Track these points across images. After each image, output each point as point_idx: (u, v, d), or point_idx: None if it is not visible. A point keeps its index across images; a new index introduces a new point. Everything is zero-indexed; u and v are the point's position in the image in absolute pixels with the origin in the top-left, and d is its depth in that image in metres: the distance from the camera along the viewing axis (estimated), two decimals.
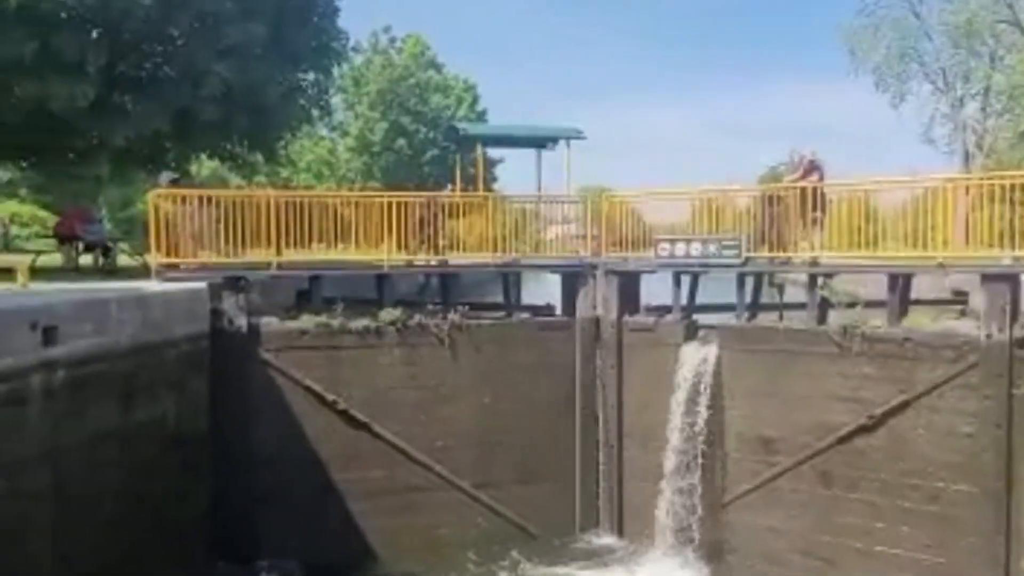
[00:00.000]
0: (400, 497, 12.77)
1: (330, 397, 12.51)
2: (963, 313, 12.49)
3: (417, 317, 12.99)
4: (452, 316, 13.22)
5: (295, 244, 13.01)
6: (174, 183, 13.79)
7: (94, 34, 14.06)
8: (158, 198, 12.79)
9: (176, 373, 11.00)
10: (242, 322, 12.23)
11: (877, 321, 11.62)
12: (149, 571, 9.96)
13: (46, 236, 22.58)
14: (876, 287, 12.40)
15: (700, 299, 13.91)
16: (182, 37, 15.19)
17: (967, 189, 11.62)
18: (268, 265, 12.80)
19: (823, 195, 12.20)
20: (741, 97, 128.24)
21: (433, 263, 13.92)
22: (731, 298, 13.19)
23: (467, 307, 13.52)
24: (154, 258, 12.49)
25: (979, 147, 35.78)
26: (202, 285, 11.91)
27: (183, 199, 12.79)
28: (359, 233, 13.17)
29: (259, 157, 20.35)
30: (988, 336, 10.35)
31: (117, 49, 14.98)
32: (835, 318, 12.04)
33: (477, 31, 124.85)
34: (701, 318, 13.44)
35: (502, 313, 14.30)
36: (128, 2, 13.54)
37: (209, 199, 12.89)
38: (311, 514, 12.26)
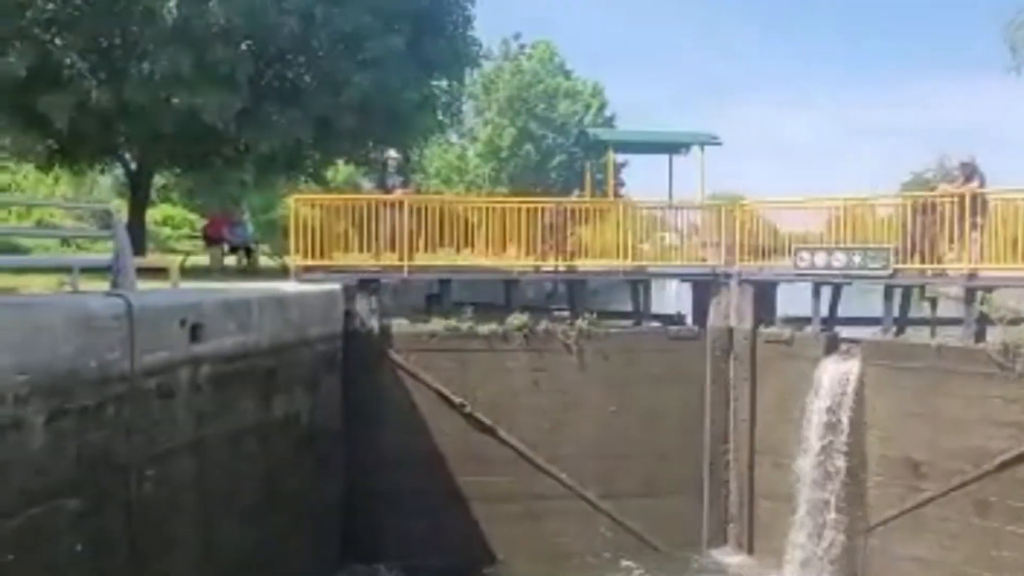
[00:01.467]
0: (523, 504, 12.73)
1: (457, 400, 12.62)
2: None
3: (544, 323, 12.95)
4: (580, 323, 13.07)
5: (425, 248, 13.17)
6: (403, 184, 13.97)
7: (243, 47, 14.72)
8: (299, 203, 13.27)
9: (311, 372, 11.32)
10: (374, 324, 12.53)
11: None
12: (286, 561, 10.24)
13: (195, 237, 23.91)
14: None
15: (841, 313, 13.30)
16: (323, 49, 15.72)
17: None
18: (400, 269, 13.03)
19: (984, 202, 11.40)
20: (883, 96, 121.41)
21: (561, 269, 13.82)
22: (875, 313, 12.58)
23: (595, 314, 13.34)
24: (293, 260, 12.93)
25: None
26: (337, 287, 12.25)
27: (321, 204, 13.18)
28: (488, 238, 13.25)
29: None
30: None
31: (263, 61, 15.66)
32: (995, 336, 11.19)
33: (606, 31, 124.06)
34: (843, 331, 12.78)
35: (630, 321, 14.01)
36: (274, 19, 14.15)
37: (345, 204, 13.23)
38: (436, 516, 12.42)
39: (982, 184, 11.81)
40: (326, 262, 12.92)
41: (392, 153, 14.37)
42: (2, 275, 11.28)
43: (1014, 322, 11.13)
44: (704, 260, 13.90)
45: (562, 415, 12.80)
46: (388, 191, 13.65)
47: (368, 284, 12.64)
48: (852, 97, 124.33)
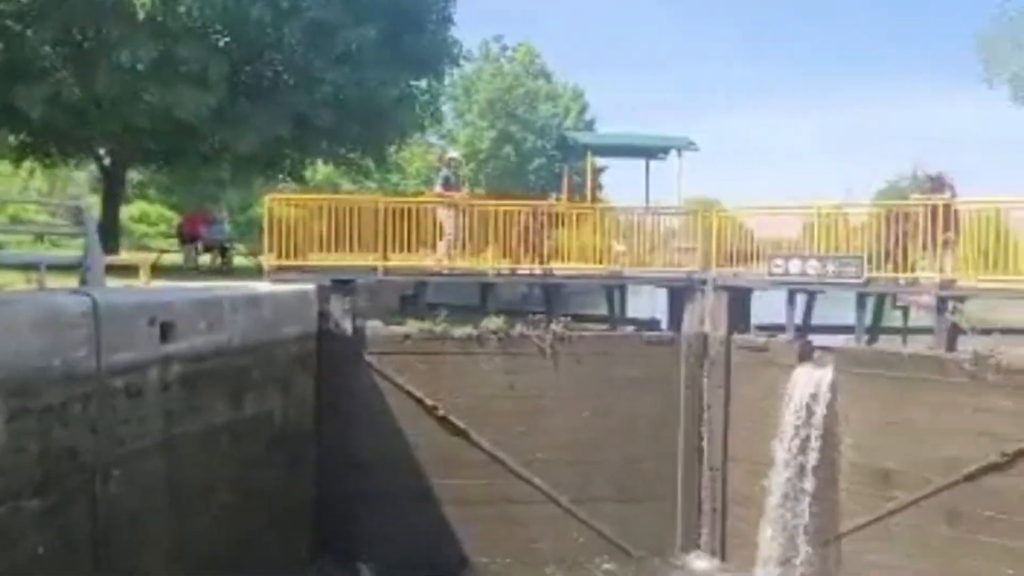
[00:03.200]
0: (496, 507, 12.66)
1: (430, 403, 12.55)
2: None
3: (519, 327, 12.88)
4: (554, 327, 13.00)
5: (401, 249, 13.07)
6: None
7: (220, 43, 14.58)
8: (274, 202, 13.14)
9: (284, 372, 11.22)
10: (347, 325, 12.43)
11: (1017, 350, 10.79)
12: (259, 558, 10.13)
13: (171, 236, 23.66)
14: (1017, 313, 11.81)
15: (815, 320, 13.39)
16: (299, 45, 15.59)
17: None
18: (375, 269, 12.92)
19: (956, 213, 11.49)
20: (864, 104, 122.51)
21: (537, 272, 13.76)
22: (849, 321, 12.58)
23: (570, 318, 13.28)
24: (266, 259, 12.80)
25: None
26: (311, 287, 12.12)
27: (296, 203, 13.07)
28: (464, 239, 13.20)
29: (370, 163, 20.69)
30: None
31: (239, 58, 15.51)
32: (966, 345, 11.28)
33: (588, 35, 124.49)
34: (816, 339, 12.81)
35: (606, 326, 13.98)
36: (240, 11, 13.99)
37: (320, 203, 13.12)
38: (408, 518, 12.33)
39: (953, 196, 11.95)
40: (300, 262, 12.77)
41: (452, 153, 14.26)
42: None
43: (985, 332, 11.29)
44: (680, 265, 13.88)
45: (536, 419, 12.76)
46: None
47: (342, 284, 12.50)
48: (834, 104, 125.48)
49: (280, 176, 19.76)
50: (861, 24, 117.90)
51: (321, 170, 30.85)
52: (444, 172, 14.47)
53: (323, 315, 12.27)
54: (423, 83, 18.50)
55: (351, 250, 12.86)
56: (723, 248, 13.26)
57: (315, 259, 12.86)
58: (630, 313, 14.83)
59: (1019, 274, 10.91)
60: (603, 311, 14.70)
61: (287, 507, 11.23)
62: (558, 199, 15.30)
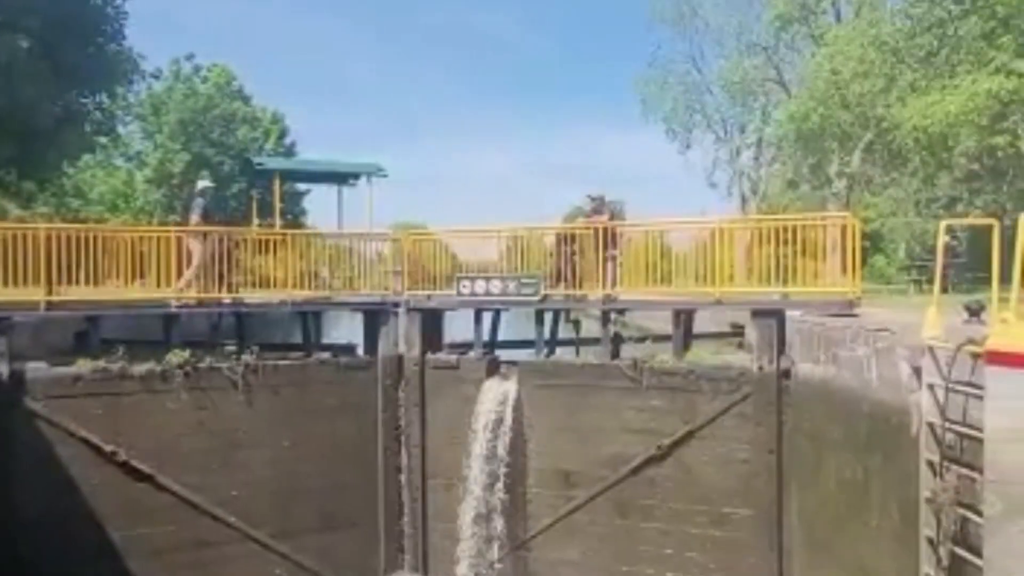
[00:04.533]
0: (190, 553, 11.87)
1: (109, 448, 11.38)
2: (740, 346, 13.07)
3: (208, 359, 12.19)
4: (246, 357, 12.45)
5: (77, 281, 11.83)
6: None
7: None
8: None
9: None
10: (3, 369, 10.86)
11: (665, 355, 11.98)
12: None
13: None
14: (666, 321, 12.81)
15: (503, 335, 14.00)
16: None
17: (744, 231, 12.41)
18: (37, 305, 11.47)
19: (615, 234, 12.61)
20: (553, 140, 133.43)
21: (227, 301, 13.05)
22: (529, 334, 13.35)
23: (262, 348, 12.76)
24: None
25: (753, 192, 39.12)
26: None
27: None
28: (152, 269, 12.26)
29: (32, 186, 18.35)
30: (760, 368, 10.90)
31: None
32: (628, 352, 12.43)
33: (293, 62, 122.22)
34: (503, 354, 13.47)
35: (300, 354, 13.57)
36: None
37: None
38: None
39: (612, 217, 13.08)
40: None
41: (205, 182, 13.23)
42: None
43: (641, 339, 12.54)
44: (386, 288, 13.91)
45: (230, 455, 12.14)
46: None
47: None
48: (533, 138, 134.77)
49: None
50: (549, 69, 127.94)
51: None
52: (200, 201, 13.66)
53: None
54: (93, 99, 16.70)
55: (6, 284, 11.27)
56: (418, 271, 13.49)
57: None
58: (330, 339, 14.58)
59: (668, 287, 12.29)
60: (298, 339, 14.21)
61: None
62: (262, 225, 14.61)
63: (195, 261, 12.52)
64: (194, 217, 13.35)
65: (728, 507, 11.19)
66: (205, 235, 12.70)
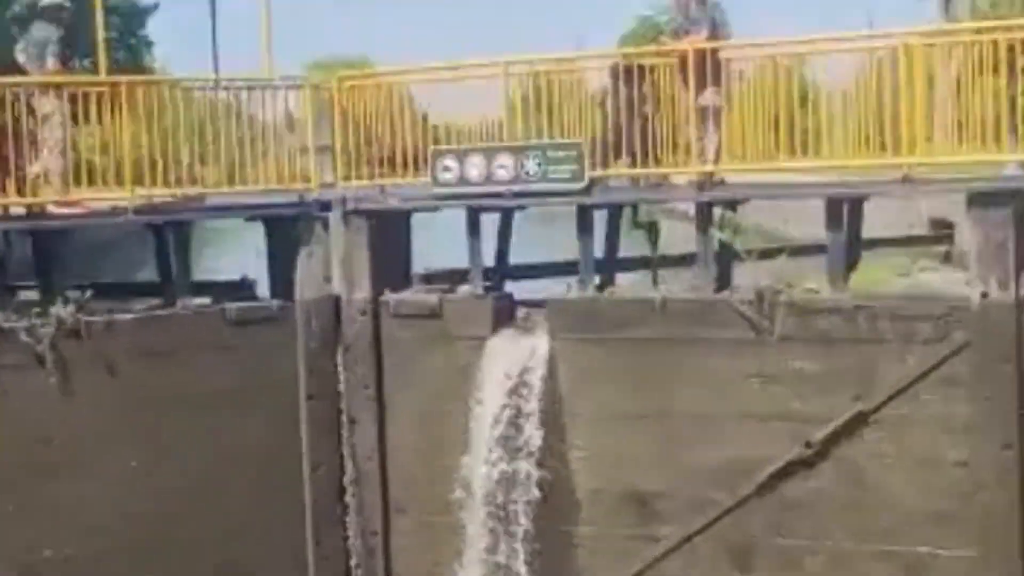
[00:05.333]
0: None
1: None
2: (947, 258, 10.37)
3: None
4: (58, 310, 8.31)
5: None
6: None
7: None
8: None
9: None
10: None
11: (813, 281, 8.32)
12: None
13: None
14: (809, 221, 9.43)
15: (519, 256, 9.99)
16: None
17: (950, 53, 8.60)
18: None
19: (717, 65, 8.43)
20: None
21: (16, 212, 8.73)
22: (568, 252, 9.34)
23: (88, 292, 8.64)
24: None
25: None
26: None
27: None
28: None
29: None
30: (985, 297, 7.60)
31: None
32: (745, 277, 8.64)
33: None
34: (520, 288, 9.55)
35: (156, 301, 9.28)
36: None
37: None
38: None
39: (717, 34, 8.73)
40: None
41: None
42: None
43: (768, 254, 8.72)
44: (305, 180, 9.36)
45: (31, 484, 8.22)
46: None
47: None
48: None
49: None
50: None
51: None
52: (53, 32, 9.05)
53: None
54: None
55: None
56: (361, 145, 9.25)
57: None
58: (206, 273, 10.47)
59: (815, 158, 8.43)
60: (151, 275, 10.02)
61: None
62: (68, 69, 9.65)
63: (56, 134, 8.65)
64: (50, 63, 9.12)
65: (931, 545, 7.84)
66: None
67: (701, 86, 8.24)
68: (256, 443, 8.68)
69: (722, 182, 8.66)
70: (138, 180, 8.60)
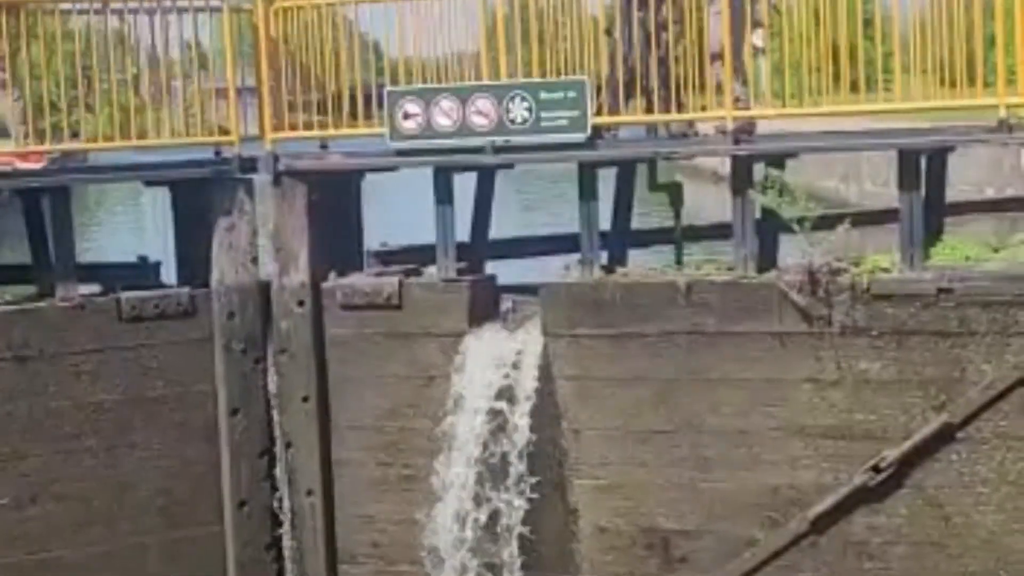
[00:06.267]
0: None
1: None
2: None
3: None
4: None
5: None
6: None
7: None
8: None
9: None
10: None
11: (883, 257, 6.87)
12: None
13: None
14: (876, 180, 8.49)
15: (502, 228, 8.60)
16: None
17: None
18: None
19: None
20: None
21: None
22: (566, 222, 8.32)
23: None
24: None
25: None
26: None
27: None
28: None
29: None
30: None
31: None
32: (794, 251, 7.13)
33: None
34: (504, 270, 8.13)
35: (29, 288, 7.69)
36: None
37: None
38: None
39: None
40: None
41: None
42: None
43: (821, 223, 6.78)
44: (222, 131, 7.70)
45: None
46: None
47: None
48: None
49: None
50: None
51: None
52: None
53: None
54: None
55: None
56: (295, 85, 7.66)
57: None
58: (95, 253, 8.96)
59: (880, 99, 7.05)
60: (22, 256, 8.20)
61: None
62: None
63: None
64: None
65: None
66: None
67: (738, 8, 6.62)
68: (160, 474, 7.14)
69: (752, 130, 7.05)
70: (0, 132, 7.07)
